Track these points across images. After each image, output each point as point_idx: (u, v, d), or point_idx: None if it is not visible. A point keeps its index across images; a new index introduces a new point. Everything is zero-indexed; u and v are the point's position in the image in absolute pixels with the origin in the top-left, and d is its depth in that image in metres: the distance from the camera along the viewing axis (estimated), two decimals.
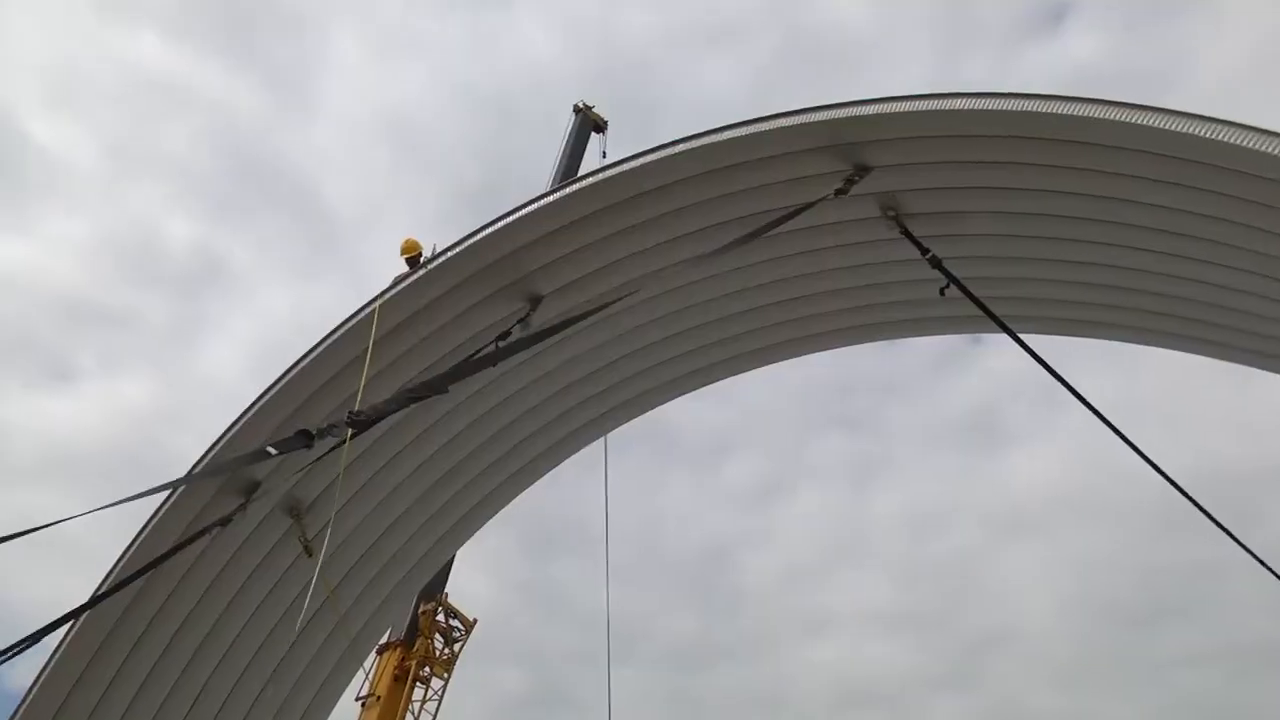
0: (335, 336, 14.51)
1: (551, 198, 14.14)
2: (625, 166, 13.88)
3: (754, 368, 16.00)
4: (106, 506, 8.58)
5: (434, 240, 14.80)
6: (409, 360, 14.64)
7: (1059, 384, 12.44)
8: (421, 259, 15.07)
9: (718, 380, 16.18)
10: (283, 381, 14.27)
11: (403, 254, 15.79)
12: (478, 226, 14.31)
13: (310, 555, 15.16)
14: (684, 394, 16.26)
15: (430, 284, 14.46)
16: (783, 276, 14.71)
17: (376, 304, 14.39)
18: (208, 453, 14.03)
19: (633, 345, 15.52)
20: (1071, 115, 11.67)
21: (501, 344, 14.52)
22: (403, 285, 14.47)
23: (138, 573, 12.54)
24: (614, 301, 13.51)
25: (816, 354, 15.71)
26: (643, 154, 13.86)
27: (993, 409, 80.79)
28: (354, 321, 14.49)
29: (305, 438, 10.44)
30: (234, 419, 14.24)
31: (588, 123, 29.24)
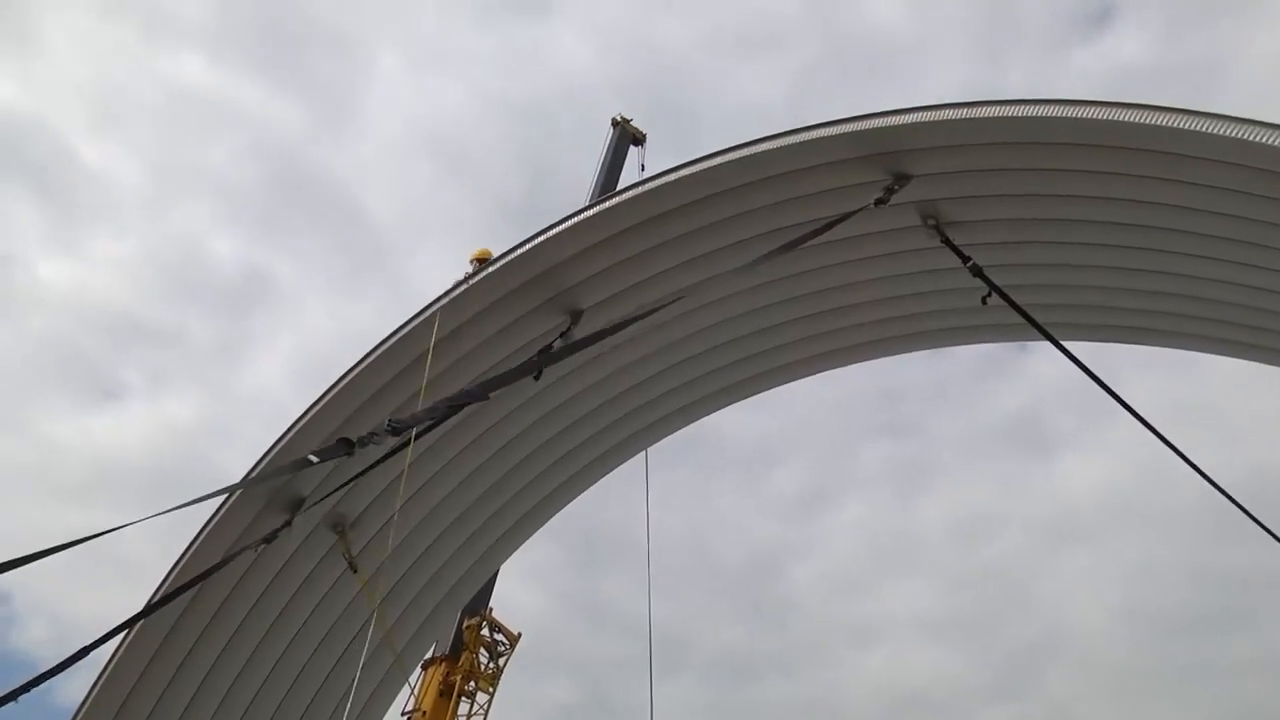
0: (389, 344, 14.75)
1: (591, 212, 14.32)
2: (664, 179, 14.04)
3: (797, 378, 16.09)
4: (157, 515, 8.80)
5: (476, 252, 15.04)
6: (454, 375, 14.85)
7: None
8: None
9: (761, 391, 16.27)
10: (332, 393, 14.51)
11: (474, 260, 16.13)
12: (518, 241, 14.51)
13: (355, 571, 15.37)
14: (728, 405, 16.36)
15: (475, 298, 14.66)
16: (824, 287, 14.80)
17: (436, 307, 14.59)
18: (259, 462, 14.28)
19: (676, 358, 15.65)
20: (1112, 121, 11.70)
21: (543, 354, 14.66)
22: (461, 289, 14.65)
23: (188, 583, 12.79)
24: (656, 309, 13.62)
25: (860, 362, 15.76)
26: (681, 166, 14.01)
27: (1040, 415, 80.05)
28: (409, 328, 14.71)
29: (346, 445, 10.57)
30: (282, 431, 14.49)
31: (626, 136, 29.61)
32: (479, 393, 11.96)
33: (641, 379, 15.76)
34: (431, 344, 14.43)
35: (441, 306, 14.50)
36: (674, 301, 14.28)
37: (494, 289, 14.56)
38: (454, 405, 12.40)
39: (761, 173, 13.79)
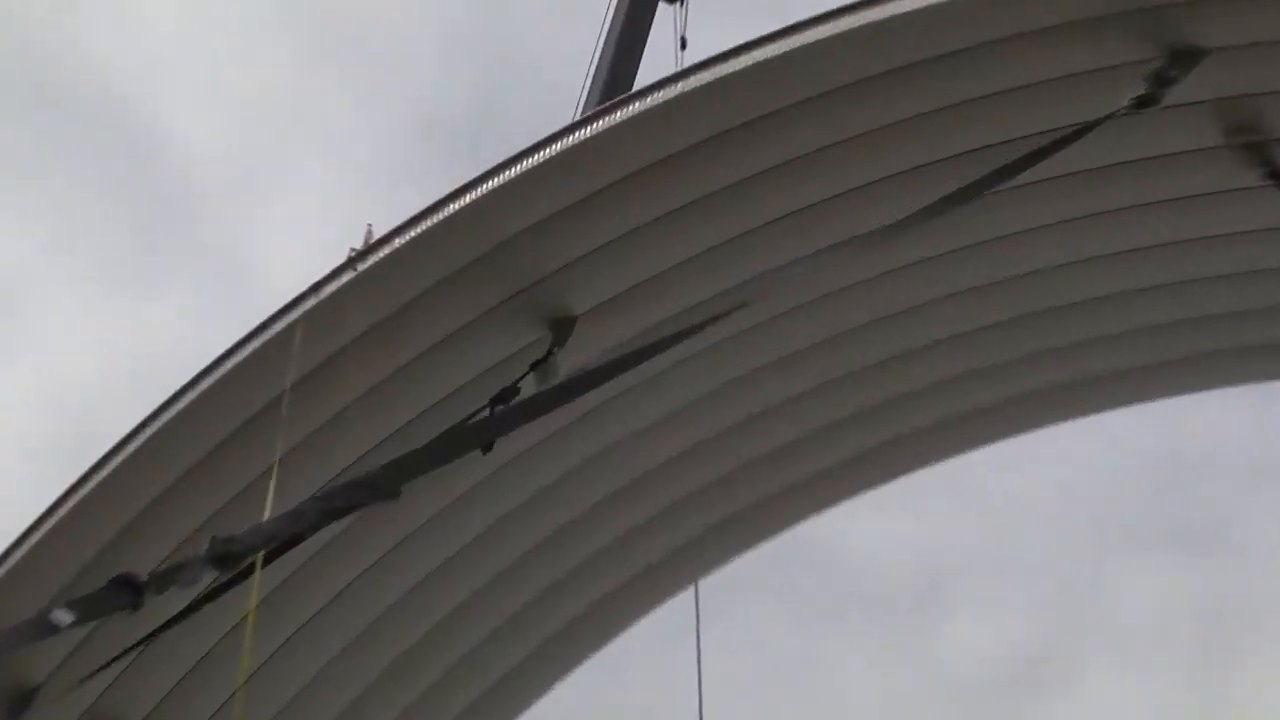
0: (209, 381, 7.97)
1: (585, 132, 7.68)
2: (723, 68, 7.42)
3: (980, 446, 9.28)
4: None
5: (373, 217, 8.19)
6: (331, 444, 8.16)
7: None
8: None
9: (909, 473, 9.43)
10: (95, 481, 7.83)
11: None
12: (456, 188, 7.81)
13: None
14: (846, 500, 9.48)
15: (369, 298, 7.99)
16: (1030, 269, 8.14)
17: (296, 314, 7.95)
18: None
19: (740, 410, 8.79)
20: None
21: (501, 407, 8.02)
22: (343, 280, 8.02)
23: None
24: (712, 320, 7.04)
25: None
26: (757, 42, 7.42)
27: None
28: (246, 352, 7.98)
29: (129, 591, 5.89)
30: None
31: None
32: (381, 484, 6.51)
33: (680, 450, 8.87)
34: (288, 385, 7.71)
35: (307, 312, 7.79)
36: (741, 306, 7.59)
37: (406, 279, 7.91)
38: (334, 508, 6.60)
39: (914, 51, 7.30)
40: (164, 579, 5.84)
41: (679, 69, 7.75)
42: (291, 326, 7.79)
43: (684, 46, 13.85)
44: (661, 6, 14.33)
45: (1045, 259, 8.16)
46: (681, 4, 14.61)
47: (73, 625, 5.67)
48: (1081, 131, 7.27)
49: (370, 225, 8.11)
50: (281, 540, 6.73)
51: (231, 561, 6.15)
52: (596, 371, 7.00)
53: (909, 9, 7.07)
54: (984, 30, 7.22)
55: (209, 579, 6.81)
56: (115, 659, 7.68)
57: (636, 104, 7.72)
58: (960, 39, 7.27)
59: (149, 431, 7.96)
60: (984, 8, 7.08)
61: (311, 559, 8.42)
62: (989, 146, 7.42)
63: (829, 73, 7.58)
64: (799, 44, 7.39)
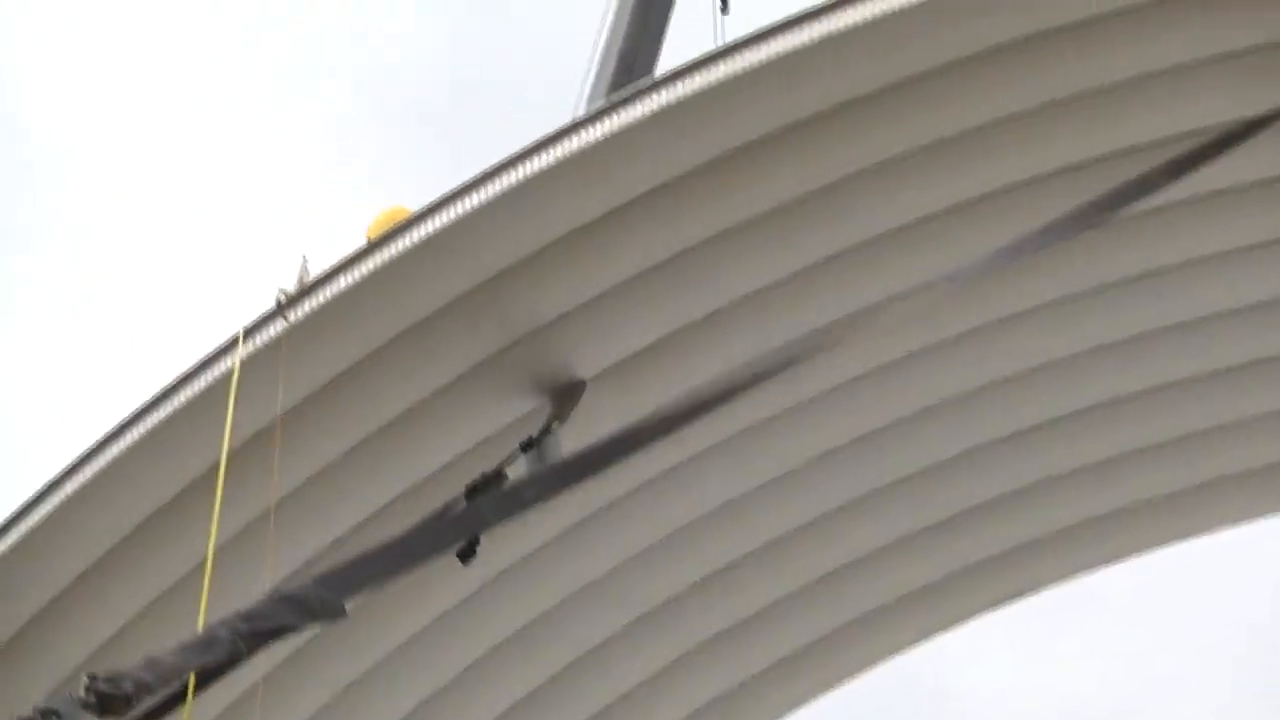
0: (111, 454, 6.21)
1: (592, 132, 5.87)
2: (780, 43, 5.63)
3: (1156, 546, 7.17)
4: None
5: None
6: (262, 536, 6.20)
7: None
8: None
9: (1067, 579, 7.33)
10: None
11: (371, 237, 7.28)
12: (422, 208, 6.07)
13: None
14: (968, 619, 7.35)
15: (316, 346, 6.10)
16: (1220, 308, 6.20)
17: (230, 360, 6.10)
18: None
19: (809, 509, 6.75)
20: None
21: (485, 495, 6.10)
22: (256, 341, 6.12)
23: None
24: (752, 384, 5.13)
25: None
26: (823, 9, 5.59)
27: None
28: (164, 412, 6.19)
29: None
30: None
31: None
32: (319, 600, 5.33)
33: (719, 564, 6.81)
34: (224, 453, 5.84)
35: (217, 380, 5.93)
36: (791, 363, 5.67)
37: (354, 331, 6.06)
38: (258, 631, 5.32)
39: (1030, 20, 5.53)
40: None
41: (719, 45, 5.91)
42: (202, 396, 5.90)
43: (725, 9, 10.48)
44: None
45: (1224, 298, 6.17)
46: None
47: None
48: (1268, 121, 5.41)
49: (305, 258, 6.21)
50: (182, 680, 5.23)
51: (114, 707, 4.93)
52: (601, 451, 5.12)
53: None
54: None
55: None
56: None
57: (662, 93, 5.90)
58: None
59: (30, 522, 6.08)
60: None
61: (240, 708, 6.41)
62: (1124, 154, 5.54)
63: (916, 51, 5.76)
64: (883, 9, 5.57)
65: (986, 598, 7.55)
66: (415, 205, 6.37)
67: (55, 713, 5.20)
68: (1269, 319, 6.43)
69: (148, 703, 5.36)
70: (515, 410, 6.28)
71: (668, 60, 8.35)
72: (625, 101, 5.96)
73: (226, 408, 5.98)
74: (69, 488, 6.15)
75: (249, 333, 6.14)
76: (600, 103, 6.78)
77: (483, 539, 6.06)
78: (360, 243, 6.61)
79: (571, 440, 6.22)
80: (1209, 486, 7.03)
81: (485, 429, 6.27)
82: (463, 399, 6.19)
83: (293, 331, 5.99)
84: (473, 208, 5.99)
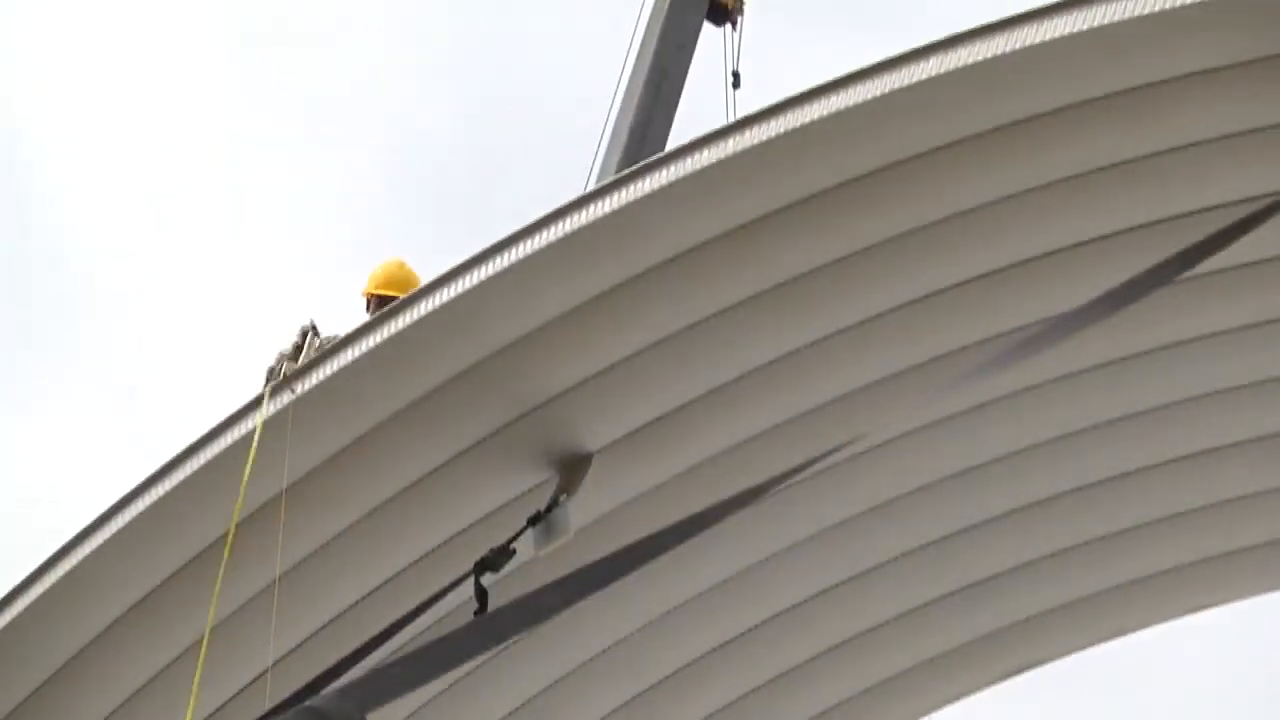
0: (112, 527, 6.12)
1: (602, 206, 5.76)
2: (793, 117, 5.49)
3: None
4: None
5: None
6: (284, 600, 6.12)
7: None
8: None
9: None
10: None
11: (375, 290, 7.06)
12: (431, 280, 6.02)
13: None
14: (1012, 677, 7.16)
15: (321, 418, 6.01)
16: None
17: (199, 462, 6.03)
18: None
19: (818, 581, 6.60)
20: None
21: (491, 576, 5.99)
22: (261, 412, 6.04)
23: None
24: (785, 478, 4.99)
25: None
26: (834, 84, 5.44)
27: None
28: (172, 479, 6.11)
29: None
30: None
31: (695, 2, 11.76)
32: (350, 713, 4.44)
33: (740, 631, 6.66)
34: (231, 530, 5.86)
35: (225, 451, 5.89)
36: (836, 450, 5.47)
37: (358, 403, 5.98)
38: None
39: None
40: None
41: (731, 118, 5.80)
42: (204, 471, 5.86)
43: (737, 84, 10.63)
44: (708, 29, 10.60)
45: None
46: (734, 26, 10.62)
47: None
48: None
49: (312, 322, 6.13)
50: None
51: None
52: (631, 553, 4.99)
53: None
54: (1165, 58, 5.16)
55: None
56: None
57: (671, 167, 5.76)
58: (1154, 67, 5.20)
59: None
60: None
61: None
62: (1165, 223, 5.35)
63: (933, 123, 5.60)
64: (897, 86, 5.42)
65: (1001, 668, 7.38)
66: (426, 277, 6.38)
67: None
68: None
69: None
70: (523, 484, 6.17)
71: (680, 133, 8.30)
72: (635, 175, 5.82)
73: (229, 484, 5.97)
74: (66, 564, 6.18)
75: (251, 407, 6.13)
76: (611, 176, 6.69)
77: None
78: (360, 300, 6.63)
79: (580, 514, 6.20)
80: (1222, 559, 6.86)
81: (492, 503, 6.15)
82: (469, 473, 6.07)
83: (298, 405, 5.96)
84: (481, 280, 5.89)
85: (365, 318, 7.04)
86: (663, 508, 5.88)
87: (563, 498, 6.14)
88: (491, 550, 6.03)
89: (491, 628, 5.56)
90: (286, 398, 5.92)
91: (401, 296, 6.70)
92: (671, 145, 6.69)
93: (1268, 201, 5.27)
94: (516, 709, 6.66)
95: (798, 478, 5.49)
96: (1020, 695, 7.99)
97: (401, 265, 7.34)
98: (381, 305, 6.84)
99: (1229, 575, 7.00)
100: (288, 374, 5.92)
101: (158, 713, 6.03)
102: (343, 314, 6.64)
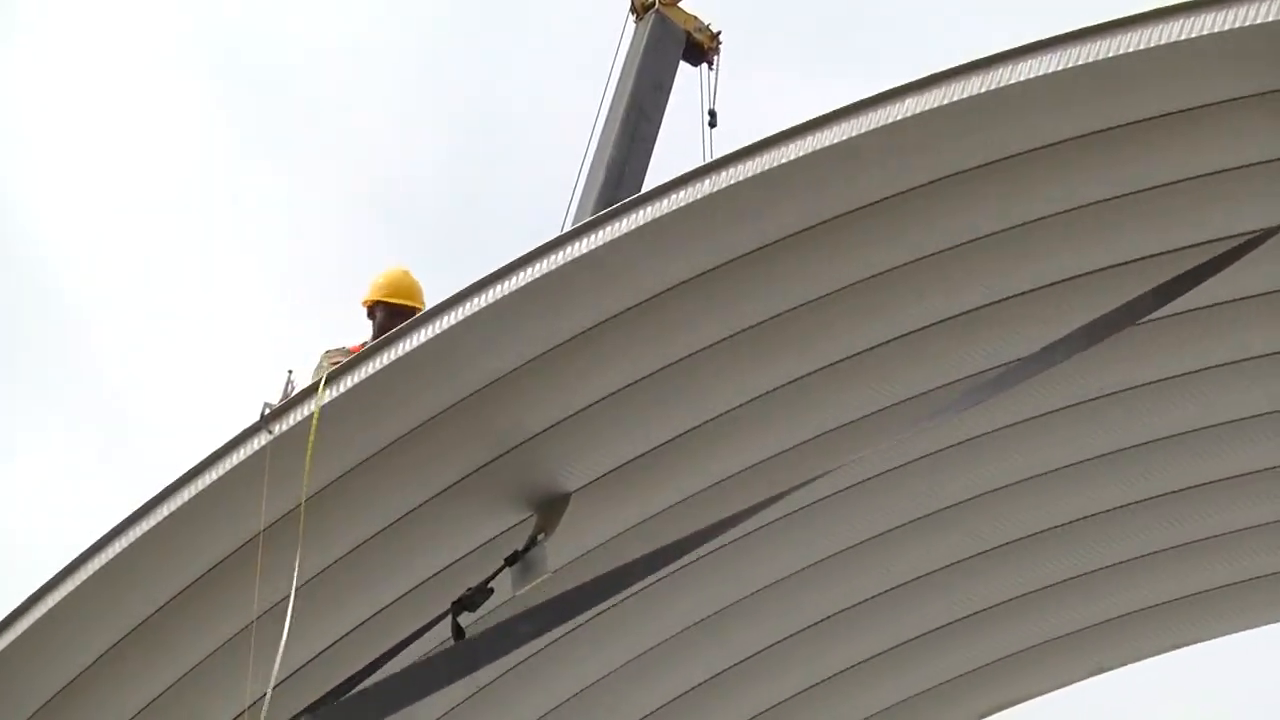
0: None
1: (579, 246, 5.74)
2: (770, 156, 5.45)
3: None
4: None
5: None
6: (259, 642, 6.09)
7: None
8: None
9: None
10: None
11: (382, 297, 7.02)
12: (405, 322, 6.00)
13: None
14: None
15: (301, 459, 5.97)
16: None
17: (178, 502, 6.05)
18: None
19: (807, 615, 6.58)
20: None
21: (468, 617, 5.98)
22: (240, 453, 6.04)
23: None
24: (776, 498, 5.01)
25: None
26: (813, 123, 5.43)
27: None
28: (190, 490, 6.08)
29: None
30: None
31: (668, 36, 11.35)
32: None
33: (723, 668, 6.65)
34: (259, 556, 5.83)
35: (202, 492, 5.88)
36: (806, 484, 5.46)
37: (339, 444, 5.91)
38: None
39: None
40: None
41: (708, 157, 5.80)
42: (182, 512, 5.84)
43: (713, 123, 10.72)
44: (684, 69, 10.66)
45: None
46: (710, 66, 10.67)
47: None
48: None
49: (291, 372, 6.13)
50: None
51: None
52: (604, 582, 5.01)
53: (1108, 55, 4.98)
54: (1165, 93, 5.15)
55: None
56: None
57: (648, 208, 5.73)
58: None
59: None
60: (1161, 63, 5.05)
61: None
62: (1157, 258, 5.36)
63: (910, 163, 5.61)
64: (878, 124, 5.43)
65: (995, 700, 7.39)
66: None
67: None
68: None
69: None
70: (500, 524, 6.15)
71: (657, 172, 8.34)
72: (612, 215, 5.81)
73: (207, 524, 5.99)
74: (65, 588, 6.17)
75: (233, 445, 6.13)
76: (588, 216, 6.69)
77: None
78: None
79: (558, 554, 6.19)
80: (1232, 588, 6.88)
81: (470, 543, 6.14)
82: (446, 514, 6.03)
83: (275, 445, 5.96)
84: (458, 321, 5.88)
85: (367, 325, 7.10)
86: (640, 547, 5.84)
87: (541, 537, 6.14)
88: (469, 589, 6.03)
89: (463, 658, 5.60)
90: (264, 439, 5.94)
91: (402, 302, 6.82)
92: (649, 184, 6.65)
93: (1242, 239, 5.32)
94: None
95: (770, 511, 5.54)
96: None
97: (406, 273, 7.33)
98: (386, 311, 6.95)
99: (1209, 611, 7.01)
100: (263, 415, 5.92)
101: None
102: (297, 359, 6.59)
